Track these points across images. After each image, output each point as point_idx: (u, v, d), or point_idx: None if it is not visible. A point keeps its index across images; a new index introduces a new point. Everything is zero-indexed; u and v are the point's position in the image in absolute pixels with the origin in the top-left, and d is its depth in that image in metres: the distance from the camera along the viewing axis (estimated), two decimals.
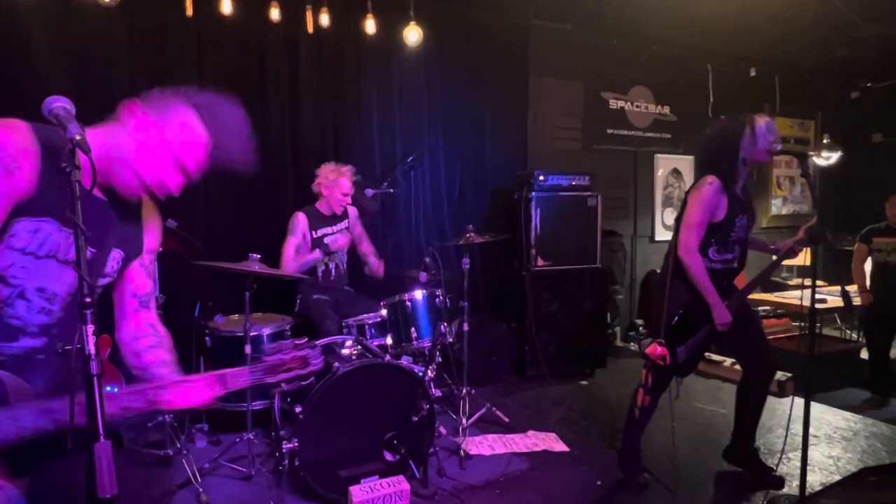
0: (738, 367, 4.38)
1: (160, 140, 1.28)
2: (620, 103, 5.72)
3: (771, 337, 5.37)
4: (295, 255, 3.51)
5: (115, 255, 1.35)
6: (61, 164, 1.10)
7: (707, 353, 4.64)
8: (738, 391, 2.79)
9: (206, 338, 3.16)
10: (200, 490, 2.59)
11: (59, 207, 1.18)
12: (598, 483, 2.77)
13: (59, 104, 1.18)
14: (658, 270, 2.93)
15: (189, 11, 3.49)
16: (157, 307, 2.90)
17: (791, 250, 2.62)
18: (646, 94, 5.85)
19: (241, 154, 1.34)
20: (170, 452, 2.88)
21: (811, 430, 3.35)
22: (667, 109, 5.97)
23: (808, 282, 2.29)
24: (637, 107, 5.81)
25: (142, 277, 1.45)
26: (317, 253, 3.50)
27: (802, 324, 5.38)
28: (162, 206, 3.85)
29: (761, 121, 2.51)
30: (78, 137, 1.11)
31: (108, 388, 3.44)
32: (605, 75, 5.57)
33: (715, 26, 5.24)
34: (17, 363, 1.23)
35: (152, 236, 1.48)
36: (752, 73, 6.36)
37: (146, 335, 1.43)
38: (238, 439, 2.89)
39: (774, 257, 2.76)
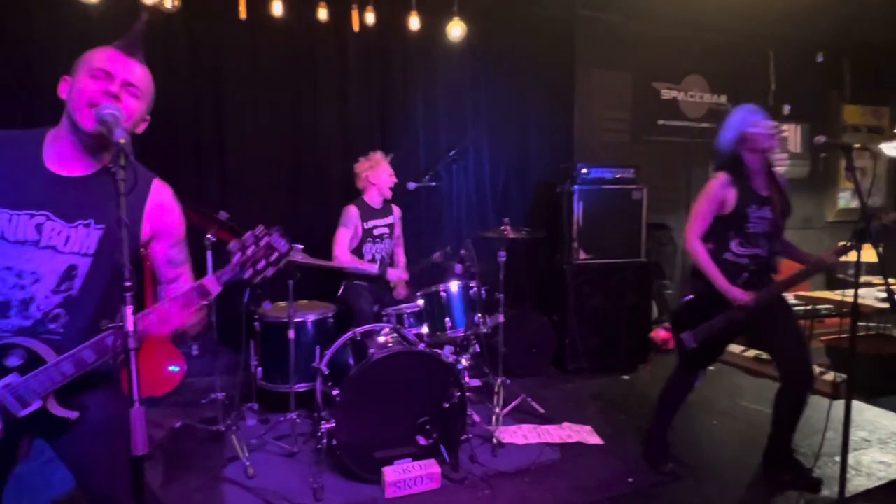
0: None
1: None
2: (673, 93, 5.57)
3: (832, 336, 5.13)
4: (349, 248, 3.67)
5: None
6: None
7: (758, 353, 4.51)
8: (776, 393, 2.71)
9: (255, 323, 3.37)
10: (247, 464, 2.78)
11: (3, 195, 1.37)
12: (630, 480, 2.76)
13: (109, 111, 1.33)
14: None
15: (242, 14, 3.70)
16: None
17: (820, 262, 2.59)
18: (700, 83, 5.66)
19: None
20: (221, 428, 3.11)
21: (864, 434, 3.25)
22: (723, 98, 5.76)
23: (873, 279, 2.23)
24: (691, 97, 5.64)
25: (164, 268, 1.62)
26: (374, 268, 3.65)
27: (868, 324, 5.10)
28: (216, 198, 4.08)
29: (738, 110, 2.65)
30: (122, 141, 1.25)
31: (175, 368, 3.74)
32: (656, 65, 5.43)
33: (776, 10, 4.99)
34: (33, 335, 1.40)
35: (160, 230, 1.58)
36: (819, 59, 6.03)
37: (172, 291, 1.60)
38: (282, 418, 3.07)
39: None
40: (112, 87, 1.38)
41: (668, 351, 2.57)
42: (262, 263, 1.47)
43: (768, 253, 2.65)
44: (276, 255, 1.47)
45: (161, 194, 1.58)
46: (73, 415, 1.41)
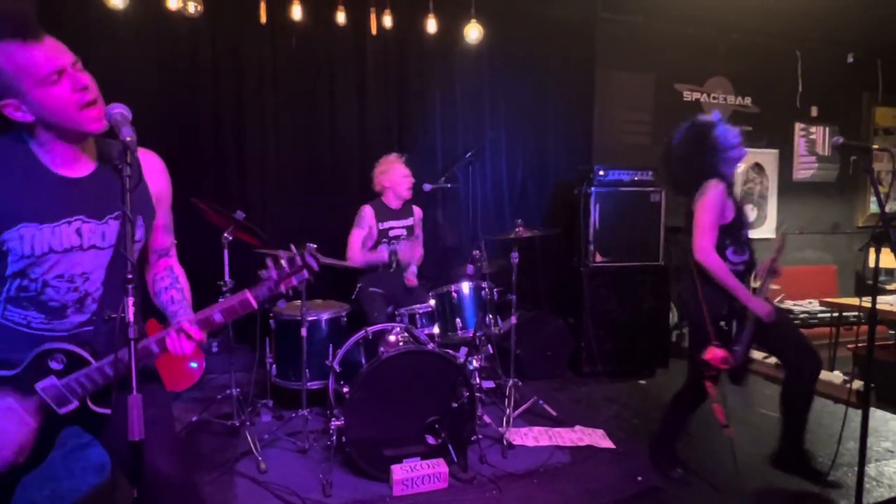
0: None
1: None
2: (695, 95, 5.49)
3: (862, 345, 4.97)
4: (361, 247, 3.70)
5: (139, 223, 1.51)
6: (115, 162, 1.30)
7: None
8: (781, 393, 2.65)
9: (271, 320, 3.43)
10: (259, 459, 2.83)
11: (26, 211, 1.36)
12: (640, 479, 2.74)
13: (118, 111, 1.38)
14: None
15: (263, 19, 3.78)
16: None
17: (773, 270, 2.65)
18: (724, 84, 5.57)
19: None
20: (236, 423, 3.17)
21: (888, 445, 3.15)
22: (748, 101, 5.66)
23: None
24: (714, 98, 5.56)
25: (160, 235, 1.65)
26: (384, 255, 3.67)
27: None
28: (234, 198, 4.16)
29: (714, 119, 2.62)
30: (128, 139, 1.30)
31: (194, 365, 3.82)
32: (678, 67, 5.38)
33: (806, 10, 4.88)
34: (73, 338, 1.45)
35: (159, 194, 1.60)
36: (850, 60, 5.88)
37: (162, 277, 1.62)
38: (293, 415, 3.12)
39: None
40: (80, 79, 1.36)
41: (724, 370, 2.51)
42: (295, 280, 1.50)
43: (751, 256, 2.66)
44: (306, 272, 1.51)
45: (149, 160, 1.59)
46: (107, 411, 1.45)
